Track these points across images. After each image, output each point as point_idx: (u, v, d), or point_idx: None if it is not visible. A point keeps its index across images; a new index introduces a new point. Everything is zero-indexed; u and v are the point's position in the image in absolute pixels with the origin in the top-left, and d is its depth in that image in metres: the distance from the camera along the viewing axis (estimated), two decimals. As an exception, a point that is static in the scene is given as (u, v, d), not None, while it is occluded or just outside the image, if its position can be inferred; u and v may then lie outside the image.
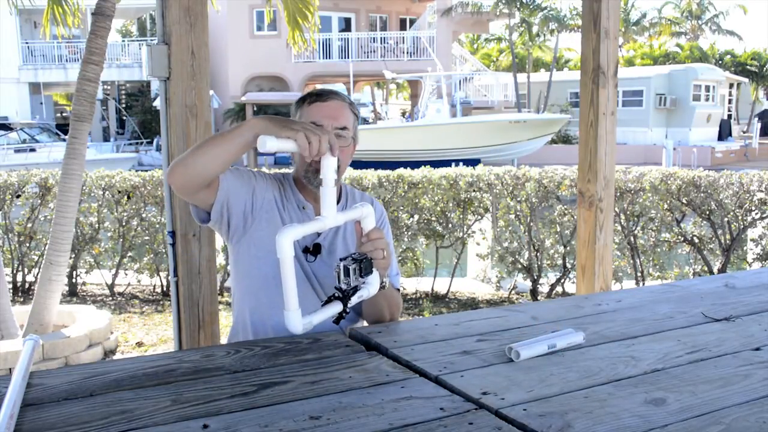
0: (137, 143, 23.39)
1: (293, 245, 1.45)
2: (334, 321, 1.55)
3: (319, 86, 22.90)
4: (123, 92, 29.84)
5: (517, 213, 6.30)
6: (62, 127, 20.60)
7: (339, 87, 22.54)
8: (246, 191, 1.76)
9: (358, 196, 1.94)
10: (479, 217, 6.46)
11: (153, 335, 5.43)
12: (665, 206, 6.08)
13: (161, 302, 6.38)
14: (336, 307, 1.53)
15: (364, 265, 1.54)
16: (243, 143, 1.57)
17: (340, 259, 1.55)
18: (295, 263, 1.47)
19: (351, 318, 1.82)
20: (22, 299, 6.40)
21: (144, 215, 6.54)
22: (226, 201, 1.73)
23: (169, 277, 2.89)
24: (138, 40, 29.43)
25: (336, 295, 1.53)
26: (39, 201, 6.50)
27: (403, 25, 29.06)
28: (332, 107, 1.81)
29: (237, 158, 1.64)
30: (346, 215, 1.58)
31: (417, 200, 6.36)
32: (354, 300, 1.54)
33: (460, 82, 25.23)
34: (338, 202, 1.84)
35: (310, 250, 1.81)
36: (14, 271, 6.56)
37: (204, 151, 1.60)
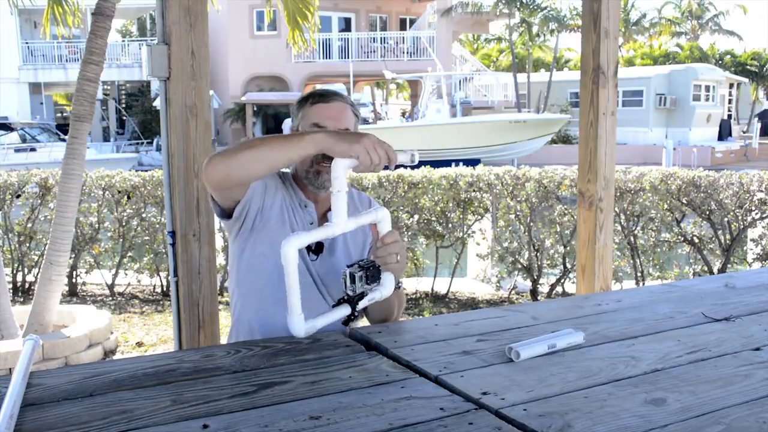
0: (137, 143, 23.37)
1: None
2: (343, 323, 1.56)
3: (319, 86, 22.89)
4: (123, 92, 29.82)
5: (517, 213, 6.30)
6: (62, 127, 20.59)
7: (339, 87, 22.53)
8: (261, 190, 1.78)
9: (356, 195, 1.94)
10: (479, 217, 6.46)
11: (153, 335, 5.43)
12: (665, 206, 6.08)
13: (161, 302, 6.37)
14: (344, 310, 1.53)
15: (370, 272, 1.52)
16: (303, 155, 1.56)
17: (347, 266, 1.53)
18: (299, 261, 1.47)
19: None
20: (22, 299, 6.40)
21: (144, 215, 6.54)
22: (250, 200, 1.75)
23: (169, 277, 2.89)
24: (138, 40, 29.40)
25: (344, 298, 1.54)
26: (39, 201, 6.49)
27: (403, 25, 29.05)
28: (335, 109, 1.82)
29: (287, 166, 1.62)
30: (357, 221, 1.55)
31: (417, 200, 6.36)
32: (362, 304, 1.55)
33: (460, 82, 25.20)
34: None
35: (312, 249, 1.82)
36: (14, 271, 6.56)
37: (258, 153, 1.56)
